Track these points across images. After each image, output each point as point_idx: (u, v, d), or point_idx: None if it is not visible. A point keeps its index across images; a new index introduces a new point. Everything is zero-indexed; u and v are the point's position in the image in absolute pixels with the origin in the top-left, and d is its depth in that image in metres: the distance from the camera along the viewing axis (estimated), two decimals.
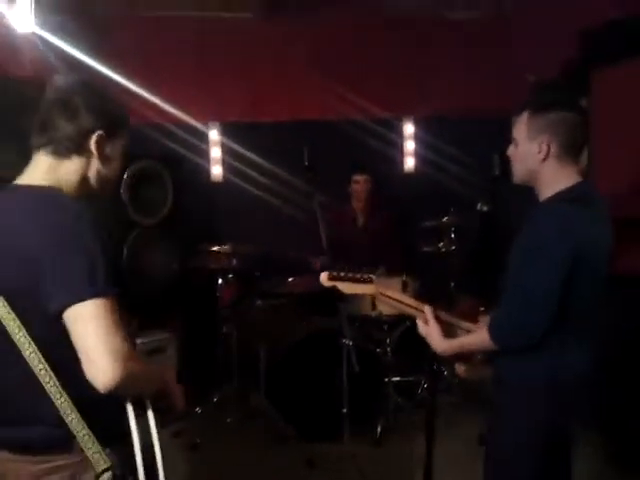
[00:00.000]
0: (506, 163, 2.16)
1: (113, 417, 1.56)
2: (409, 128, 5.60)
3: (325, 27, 5.26)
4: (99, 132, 1.63)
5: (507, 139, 2.14)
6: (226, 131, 5.25)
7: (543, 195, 2.04)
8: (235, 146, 5.15)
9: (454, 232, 4.62)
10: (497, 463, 2.15)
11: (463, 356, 2.18)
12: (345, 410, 3.33)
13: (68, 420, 1.47)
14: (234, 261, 4.30)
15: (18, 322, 1.47)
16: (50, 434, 1.51)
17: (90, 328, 1.43)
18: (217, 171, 5.29)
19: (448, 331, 2.17)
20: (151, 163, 4.57)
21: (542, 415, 2.01)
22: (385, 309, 3.95)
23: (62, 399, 1.47)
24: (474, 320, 2.23)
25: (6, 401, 1.54)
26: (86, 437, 1.48)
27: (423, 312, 2.18)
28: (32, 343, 1.47)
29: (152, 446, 1.60)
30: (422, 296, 4.22)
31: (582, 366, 2.02)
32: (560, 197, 1.98)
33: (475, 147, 4.99)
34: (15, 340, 1.47)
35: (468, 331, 2.17)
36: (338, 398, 3.49)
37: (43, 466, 1.52)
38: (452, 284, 4.69)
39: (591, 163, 4.24)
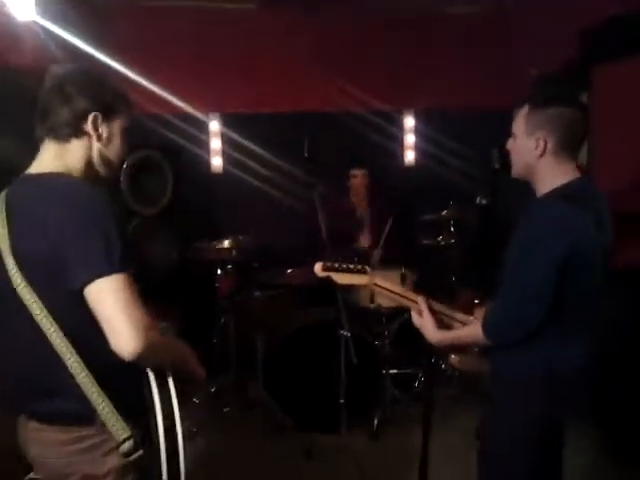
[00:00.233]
0: (506, 157, 2.17)
1: (132, 391, 1.64)
2: (409, 121, 5.60)
3: (327, 19, 5.24)
4: (94, 113, 1.70)
5: (507, 133, 2.14)
6: (226, 122, 5.24)
7: (540, 191, 2.05)
8: (235, 137, 5.15)
9: (453, 225, 4.61)
10: (492, 456, 2.16)
11: (458, 347, 2.19)
12: (342, 401, 3.34)
13: (89, 394, 1.55)
14: (233, 252, 4.30)
15: (40, 304, 1.55)
16: (73, 407, 1.59)
17: (111, 301, 1.51)
18: (217, 162, 5.28)
19: (443, 322, 2.18)
20: (151, 153, 4.57)
21: (538, 408, 2.02)
22: (384, 301, 3.96)
23: (83, 374, 1.55)
24: (469, 312, 2.24)
25: (35, 377, 1.63)
26: (106, 409, 1.56)
27: (417, 303, 2.18)
28: (54, 323, 1.55)
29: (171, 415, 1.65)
30: (421, 289, 4.26)
31: (579, 360, 2.03)
32: (556, 193, 1.98)
33: (475, 141, 4.99)
34: (38, 320, 1.55)
35: (462, 323, 2.18)
36: (335, 389, 3.51)
37: (68, 436, 1.62)
38: (452, 277, 4.70)
39: (592, 158, 4.24)
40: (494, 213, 4.61)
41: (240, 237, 4.34)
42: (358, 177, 4.81)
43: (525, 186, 2.13)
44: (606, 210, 2.02)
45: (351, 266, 2.23)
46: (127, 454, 1.59)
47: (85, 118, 1.70)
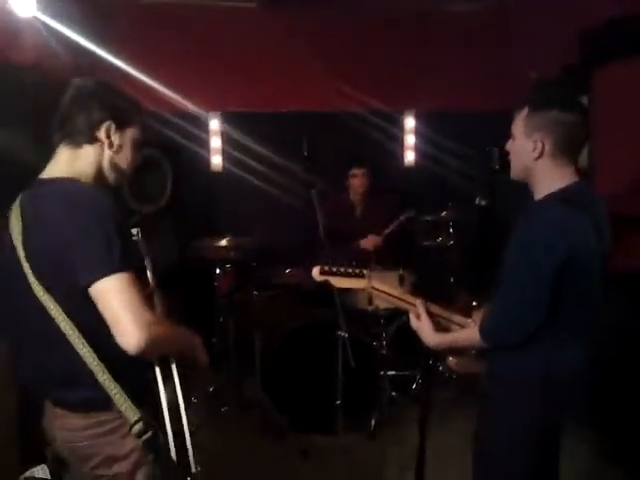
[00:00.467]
0: (505, 158, 2.16)
1: (139, 377, 1.77)
2: (410, 122, 5.60)
3: (327, 19, 5.24)
4: (108, 122, 1.82)
5: (507, 134, 2.14)
6: (227, 120, 5.24)
7: (538, 193, 2.04)
8: (235, 136, 5.15)
9: (453, 226, 4.62)
10: (490, 457, 2.16)
11: (455, 350, 2.19)
12: (339, 402, 3.33)
13: (101, 381, 1.66)
14: (232, 251, 4.29)
15: (52, 300, 1.66)
16: (91, 394, 1.71)
17: (114, 299, 1.62)
18: (217, 160, 5.28)
19: (441, 325, 2.17)
20: (151, 152, 4.57)
21: (536, 410, 2.02)
22: (381, 303, 3.95)
23: (95, 363, 1.66)
24: (467, 314, 2.23)
25: (55, 367, 1.75)
26: (117, 395, 1.67)
27: (415, 306, 2.18)
28: (65, 317, 1.66)
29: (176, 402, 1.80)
30: (420, 290, 4.26)
31: (577, 362, 2.03)
32: (554, 196, 1.97)
33: (475, 142, 4.98)
34: (52, 315, 1.67)
35: (460, 325, 2.18)
36: (333, 390, 3.50)
37: (88, 421, 1.75)
38: (451, 279, 4.69)
39: (592, 161, 4.24)
40: (493, 214, 4.60)
41: (239, 236, 4.34)
42: (358, 176, 4.80)
43: (524, 187, 2.13)
44: (604, 214, 2.02)
45: (349, 270, 2.23)
46: (139, 435, 1.70)
47: (99, 126, 1.81)
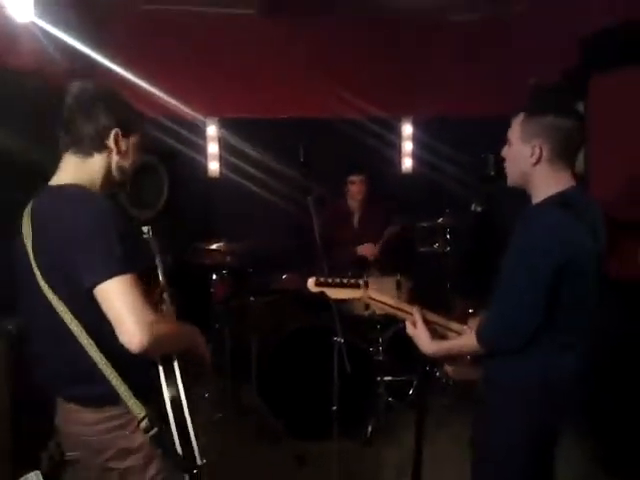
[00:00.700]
0: (501, 163, 2.16)
1: (144, 374, 1.82)
2: (407, 128, 5.61)
3: (326, 26, 5.26)
4: (116, 129, 1.87)
5: (504, 140, 2.14)
6: (224, 127, 5.24)
7: (535, 198, 2.05)
8: (233, 142, 5.15)
9: (449, 233, 4.63)
10: (487, 463, 2.15)
11: (452, 357, 2.18)
12: (335, 408, 3.32)
13: (110, 378, 1.73)
14: (228, 257, 4.29)
15: (60, 301, 1.73)
16: (102, 390, 1.76)
17: (117, 301, 1.67)
18: (214, 166, 5.29)
19: (437, 332, 2.17)
20: (148, 157, 4.56)
21: (534, 416, 2.02)
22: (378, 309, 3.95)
23: (102, 361, 1.73)
24: (463, 321, 2.23)
25: (67, 364, 1.82)
26: (124, 391, 1.74)
27: (411, 314, 2.18)
28: (73, 318, 1.73)
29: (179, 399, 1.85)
30: (417, 296, 4.27)
31: (574, 366, 2.03)
32: (552, 201, 1.98)
33: (473, 148, 4.99)
34: (61, 315, 1.73)
35: (457, 332, 2.18)
36: (329, 396, 3.49)
37: (102, 415, 1.82)
38: (448, 285, 4.70)
39: (587, 167, 4.25)
40: (489, 220, 4.61)
41: (236, 242, 4.33)
42: (356, 183, 4.80)
43: (520, 193, 2.13)
44: (600, 218, 2.02)
45: (344, 280, 2.23)
46: (145, 431, 1.76)
47: (108, 134, 1.87)
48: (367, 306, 4.09)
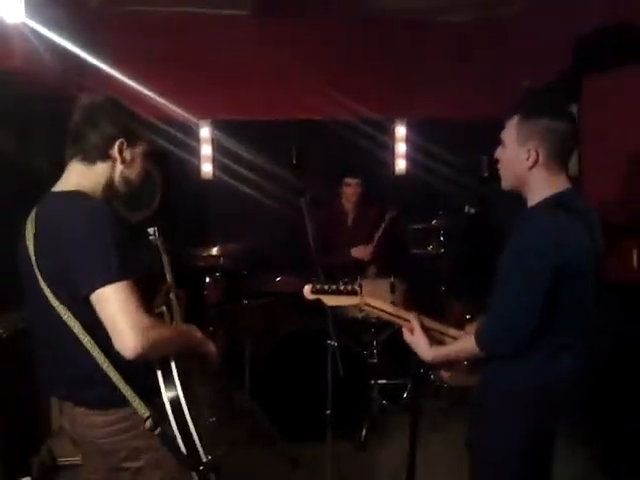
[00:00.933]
0: (494, 165, 2.15)
1: (146, 376, 1.86)
2: (401, 130, 5.60)
3: (319, 27, 5.25)
4: (120, 139, 1.92)
5: (498, 142, 2.13)
6: (217, 128, 5.22)
7: (531, 200, 2.04)
8: (226, 143, 5.13)
9: (443, 235, 4.62)
10: (485, 467, 2.13)
11: (450, 363, 2.17)
12: (329, 412, 3.30)
13: (114, 381, 1.77)
14: (221, 259, 4.27)
15: (62, 306, 1.77)
16: (108, 393, 1.81)
17: (111, 307, 1.71)
18: (207, 168, 5.27)
19: (435, 338, 2.15)
20: None
21: (532, 419, 2.01)
22: None
23: (106, 364, 1.77)
24: (460, 327, 2.22)
25: (73, 368, 1.85)
26: (129, 393, 1.79)
27: (408, 321, 2.16)
28: (76, 321, 1.77)
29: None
30: (411, 298, 4.26)
31: (572, 368, 2.01)
32: (547, 203, 1.97)
33: (466, 150, 4.99)
34: (64, 320, 1.77)
35: (455, 338, 2.16)
36: (323, 399, 3.47)
37: (111, 417, 1.85)
38: (442, 287, 4.69)
39: (581, 169, 4.25)
40: (483, 222, 4.61)
41: (229, 244, 4.31)
42: (352, 185, 4.78)
43: (513, 195, 2.12)
44: (596, 219, 2.02)
45: (341, 287, 2.22)
46: (151, 430, 1.81)
47: (112, 144, 1.91)
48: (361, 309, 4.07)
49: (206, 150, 5.24)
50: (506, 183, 2.12)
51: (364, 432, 3.98)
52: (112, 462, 1.89)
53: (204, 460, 1.88)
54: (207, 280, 4.35)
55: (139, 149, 2.00)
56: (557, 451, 2.16)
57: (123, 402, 1.81)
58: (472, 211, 4.17)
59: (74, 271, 1.74)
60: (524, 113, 2.02)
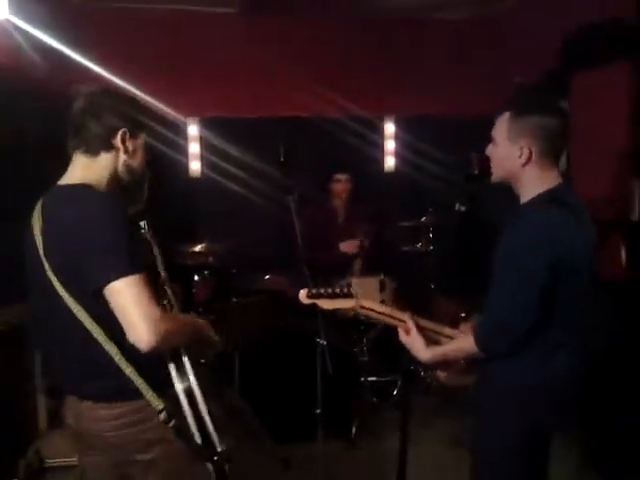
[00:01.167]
0: (485, 162, 2.14)
1: (158, 368, 1.86)
2: (390, 127, 5.59)
3: (307, 25, 5.23)
4: (123, 129, 1.91)
5: (487, 139, 2.12)
6: (205, 126, 5.19)
7: (524, 197, 2.03)
8: (214, 141, 5.10)
9: (432, 232, 4.62)
10: (482, 466, 2.12)
11: (447, 363, 2.15)
12: (319, 410, 3.30)
13: (126, 373, 1.77)
14: (210, 258, 4.24)
15: (73, 299, 1.77)
16: (118, 386, 1.81)
17: (124, 301, 1.71)
18: (195, 166, 5.24)
19: (431, 338, 2.14)
20: None
21: (527, 418, 2.00)
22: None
23: (118, 357, 1.77)
24: (455, 326, 2.21)
25: (84, 361, 1.85)
26: (142, 385, 1.79)
27: (404, 322, 2.15)
28: (87, 314, 1.77)
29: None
30: (400, 296, 4.25)
31: (568, 366, 2.00)
32: (541, 199, 1.96)
33: (456, 147, 4.98)
34: (74, 313, 1.77)
35: (450, 337, 2.15)
36: (313, 398, 3.46)
37: (116, 411, 1.84)
38: (431, 285, 4.69)
39: (570, 166, 4.25)
40: (473, 219, 4.60)
41: (217, 242, 4.29)
42: (342, 182, 4.78)
43: (503, 192, 2.12)
44: (588, 215, 2.01)
45: (337, 291, 2.20)
46: (165, 423, 1.80)
47: (115, 134, 1.90)
48: None
49: (194, 148, 5.22)
50: (496, 178, 2.11)
51: (354, 430, 3.96)
52: (120, 456, 1.89)
53: (219, 450, 1.89)
54: (196, 278, 4.32)
55: (142, 138, 1.99)
56: (552, 449, 2.15)
57: (134, 394, 1.81)
58: (462, 209, 4.17)
59: (86, 264, 1.73)
60: (515, 110, 2.01)
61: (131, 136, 1.94)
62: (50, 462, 3.19)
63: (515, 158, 1.99)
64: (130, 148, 1.94)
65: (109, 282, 1.70)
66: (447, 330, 2.18)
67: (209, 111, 5.19)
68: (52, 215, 1.83)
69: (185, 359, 1.92)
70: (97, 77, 4.25)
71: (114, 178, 1.95)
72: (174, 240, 4.36)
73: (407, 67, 5.37)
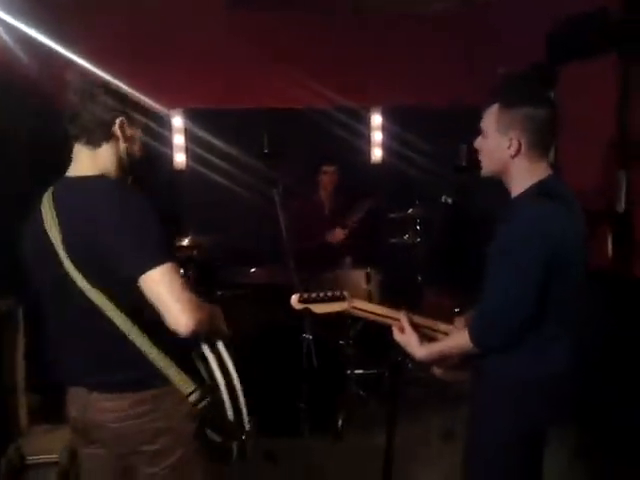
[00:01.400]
0: (473, 154, 2.12)
1: (183, 351, 1.89)
2: (377, 118, 5.56)
3: (293, 15, 5.18)
4: (121, 117, 1.91)
5: (475, 130, 2.09)
6: (190, 118, 5.14)
7: (514, 190, 2.01)
8: (199, 133, 5.05)
9: (419, 224, 4.61)
10: (476, 461, 2.11)
11: (444, 359, 2.13)
12: (304, 404, 3.28)
13: (151, 357, 1.78)
14: (195, 251, 4.21)
15: (96, 290, 1.76)
16: (136, 374, 1.82)
17: (164, 288, 1.73)
18: (180, 158, 5.19)
19: (425, 335, 2.12)
20: None
21: (522, 413, 1.98)
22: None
23: (142, 340, 1.77)
24: (449, 320, 2.19)
25: (96, 352, 1.86)
26: (171, 369, 1.80)
27: (398, 320, 2.12)
28: (113, 305, 1.76)
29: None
30: (387, 288, 4.23)
31: (563, 361, 1.99)
32: (533, 191, 1.94)
33: (443, 138, 4.96)
34: (97, 304, 1.76)
35: (445, 333, 2.13)
36: (299, 391, 3.45)
37: (127, 401, 1.84)
38: (419, 277, 4.67)
39: (557, 158, 4.25)
40: (461, 211, 4.60)
41: (202, 235, 4.25)
42: (329, 173, 4.77)
43: (490, 184, 2.10)
44: (579, 205, 2.00)
45: (329, 294, 2.19)
46: (195, 403, 1.82)
47: (113, 123, 1.89)
48: None
49: (178, 140, 5.17)
50: (486, 171, 2.09)
51: (340, 423, 3.95)
52: (126, 447, 1.89)
53: (247, 429, 1.95)
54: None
55: (138, 124, 1.99)
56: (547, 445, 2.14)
57: (152, 383, 1.82)
58: (449, 201, 4.15)
59: (119, 255, 1.73)
60: (504, 101, 1.99)
61: (128, 123, 1.94)
62: (31, 459, 3.14)
63: (504, 150, 1.97)
64: (128, 135, 1.94)
65: (146, 270, 1.72)
66: (442, 326, 2.16)
67: (193, 102, 5.13)
68: (69, 206, 1.82)
69: (218, 340, 2.02)
70: (80, 69, 4.18)
71: (119, 167, 1.95)
72: None
73: (393, 58, 5.33)
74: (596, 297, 3.37)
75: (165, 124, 5.09)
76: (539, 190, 1.93)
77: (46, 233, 1.81)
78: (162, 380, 1.82)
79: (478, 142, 2.09)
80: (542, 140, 1.97)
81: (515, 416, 1.98)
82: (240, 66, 5.09)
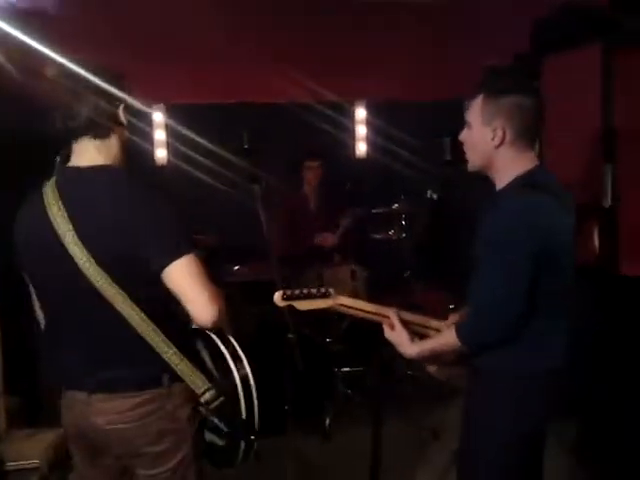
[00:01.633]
0: (458, 147, 2.07)
1: (193, 349, 1.88)
2: (361, 112, 5.52)
3: (275, 8, 5.10)
4: (122, 105, 1.87)
5: (459, 124, 2.05)
6: (171, 113, 5.07)
7: (500, 182, 1.97)
8: (180, 128, 4.98)
9: (404, 219, 4.58)
10: (473, 460, 2.07)
11: (436, 357, 2.08)
12: (290, 404, 3.23)
13: (166, 356, 1.74)
14: None
15: (108, 284, 1.70)
16: (145, 372, 1.78)
17: (188, 280, 1.72)
18: (161, 154, 5.13)
19: (417, 332, 2.07)
20: None
21: (523, 412, 1.95)
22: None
23: (159, 339, 1.73)
24: (443, 316, 2.14)
25: (109, 351, 1.80)
26: (185, 367, 1.77)
27: (387, 317, 2.07)
28: (127, 299, 1.71)
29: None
30: (373, 284, 4.19)
31: (557, 355, 1.96)
32: (519, 183, 1.91)
33: (427, 132, 4.94)
34: (109, 298, 1.71)
35: (437, 330, 2.08)
36: (284, 390, 3.40)
37: (133, 401, 1.78)
38: (404, 271, 4.65)
39: (541, 150, 4.23)
40: (446, 205, 4.57)
41: None
42: (313, 168, 4.74)
43: (476, 179, 2.06)
44: (570, 196, 1.97)
45: (313, 291, 2.14)
46: (208, 402, 1.79)
47: (118, 112, 1.86)
48: None
49: (160, 135, 5.10)
50: (472, 165, 2.05)
51: (328, 422, 3.92)
52: (128, 449, 1.84)
53: (256, 428, 1.95)
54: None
55: (127, 109, 1.94)
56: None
57: (158, 380, 1.78)
58: (434, 196, 4.12)
59: (138, 247, 1.70)
60: (489, 91, 1.95)
61: (125, 109, 1.89)
62: (11, 465, 3.08)
63: (488, 140, 1.93)
64: (126, 122, 1.91)
65: (170, 262, 1.70)
66: (433, 323, 2.11)
67: (175, 98, 5.06)
68: (81, 197, 1.76)
69: (230, 336, 2.01)
70: (57, 63, 4.10)
71: (124, 156, 1.91)
72: None
73: (377, 50, 5.27)
74: (583, 294, 3.36)
75: (146, 120, 5.01)
76: (525, 181, 1.89)
77: (50, 225, 1.73)
78: (169, 379, 1.79)
79: (463, 134, 2.05)
80: (528, 130, 1.93)
81: (515, 416, 1.95)
82: (221, 61, 5.02)
